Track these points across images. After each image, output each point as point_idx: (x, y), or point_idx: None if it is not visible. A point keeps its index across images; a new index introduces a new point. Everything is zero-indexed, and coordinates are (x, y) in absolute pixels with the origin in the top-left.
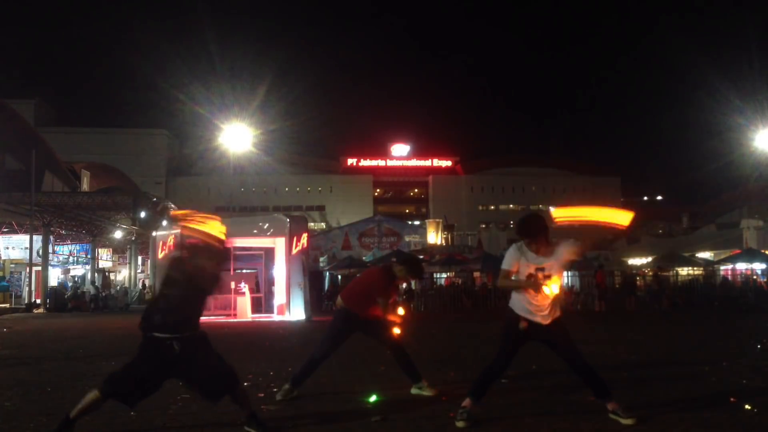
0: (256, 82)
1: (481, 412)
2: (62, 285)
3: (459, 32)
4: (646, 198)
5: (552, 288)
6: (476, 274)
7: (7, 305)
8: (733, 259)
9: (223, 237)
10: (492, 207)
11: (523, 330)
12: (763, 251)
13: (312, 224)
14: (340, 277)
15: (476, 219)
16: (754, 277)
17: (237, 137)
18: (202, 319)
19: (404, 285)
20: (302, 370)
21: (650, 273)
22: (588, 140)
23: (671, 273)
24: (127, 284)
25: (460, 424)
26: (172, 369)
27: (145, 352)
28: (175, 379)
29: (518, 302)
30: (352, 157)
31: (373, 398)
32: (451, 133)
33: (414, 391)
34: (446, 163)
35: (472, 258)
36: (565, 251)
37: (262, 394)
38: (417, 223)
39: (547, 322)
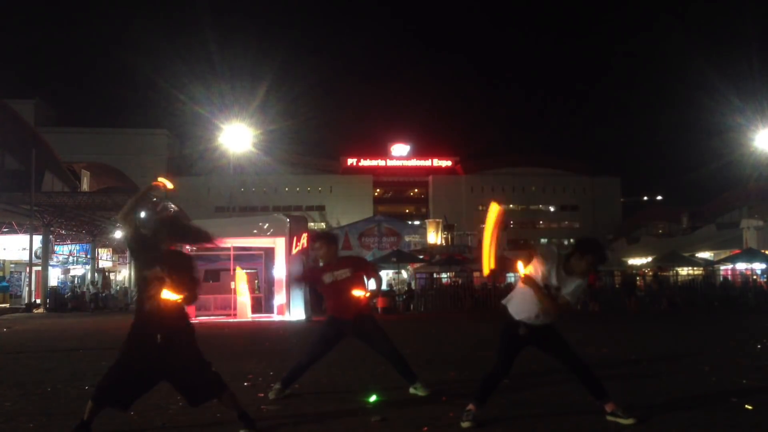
0: (256, 82)
1: (481, 411)
2: (62, 286)
3: (459, 32)
4: (646, 198)
5: None
6: (476, 274)
7: (7, 305)
8: (733, 259)
9: None
10: None
11: (524, 335)
12: (763, 251)
13: (312, 224)
14: None
15: (476, 219)
16: (754, 277)
17: (237, 137)
18: (203, 319)
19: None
20: (290, 373)
21: (650, 273)
22: (588, 140)
23: (671, 273)
24: (127, 284)
25: (465, 424)
26: (156, 363)
27: (129, 345)
28: (163, 378)
29: (521, 305)
30: (352, 157)
31: (373, 398)
32: (451, 133)
33: (412, 391)
34: (446, 163)
35: (472, 258)
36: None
37: (262, 394)
38: (417, 223)
39: (547, 322)
